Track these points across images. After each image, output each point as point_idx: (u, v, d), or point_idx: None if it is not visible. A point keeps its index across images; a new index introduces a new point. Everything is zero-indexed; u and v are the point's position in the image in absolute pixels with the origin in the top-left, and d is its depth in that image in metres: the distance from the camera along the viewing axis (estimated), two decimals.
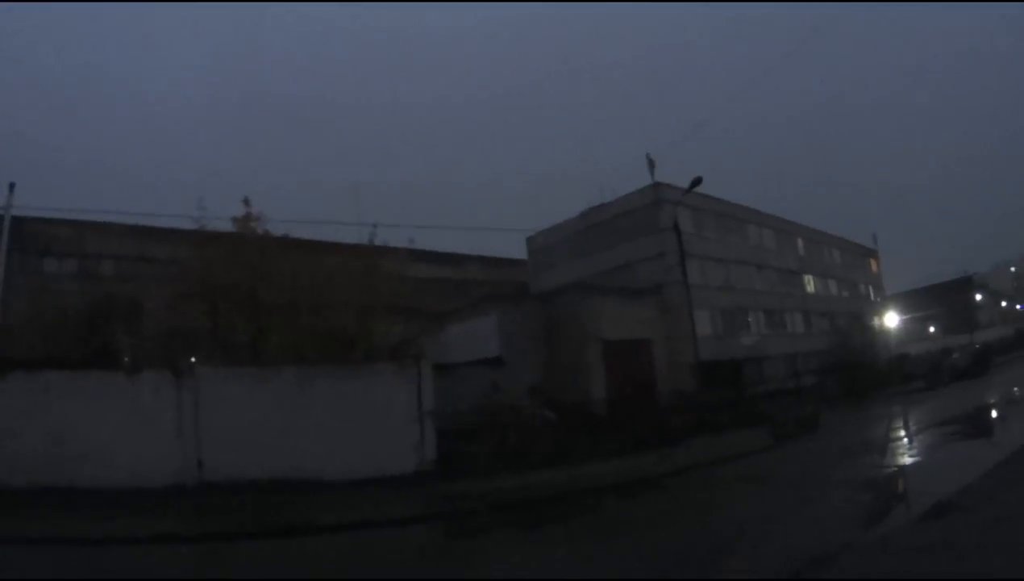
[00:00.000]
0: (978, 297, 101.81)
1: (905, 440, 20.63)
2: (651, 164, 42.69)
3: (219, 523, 14.23)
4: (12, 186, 41.93)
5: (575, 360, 31.72)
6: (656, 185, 43.08)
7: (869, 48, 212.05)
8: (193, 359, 19.27)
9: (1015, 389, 31.64)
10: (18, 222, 40.81)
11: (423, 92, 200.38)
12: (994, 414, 24.44)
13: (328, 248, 23.73)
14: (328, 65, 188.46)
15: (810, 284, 60.15)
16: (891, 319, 64.62)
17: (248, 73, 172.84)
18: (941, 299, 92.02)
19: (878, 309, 67.80)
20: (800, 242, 60.26)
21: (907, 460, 16.91)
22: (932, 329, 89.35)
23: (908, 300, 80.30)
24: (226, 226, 21.45)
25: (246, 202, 21.59)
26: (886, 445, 20.12)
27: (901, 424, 25.10)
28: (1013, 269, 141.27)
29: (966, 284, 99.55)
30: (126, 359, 19.62)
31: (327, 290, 20.05)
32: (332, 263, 21.51)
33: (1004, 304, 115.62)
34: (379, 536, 13.50)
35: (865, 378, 42.69)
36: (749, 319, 49.72)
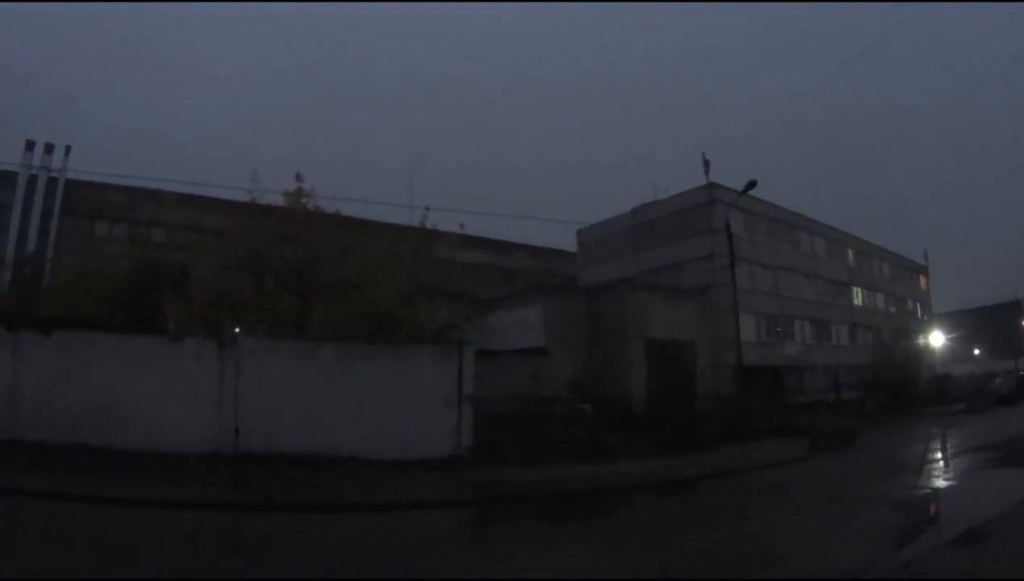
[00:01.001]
0: None
1: (942, 462, 20.46)
2: (706, 164, 42.39)
3: (249, 494, 14.36)
4: (68, 149, 42.88)
5: (617, 356, 31.52)
6: (710, 185, 42.77)
7: (935, 58, 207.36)
8: (237, 330, 19.34)
9: None
10: (72, 186, 41.68)
11: (484, 78, 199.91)
12: None
13: (379, 228, 23.54)
14: (386, 46, 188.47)
15: (858, 296, 59.09)
16: (937, 338, 63.34)
17: (306, 50, 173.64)
18: (988, 322, 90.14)
19: (924, 327, 66.56)
20: (850, 253, 59.16)
21: (942, 483, 16.72)
22: (977, 351, 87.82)
23: (955, 320, 78.66)
24: (277, 200, 21.48)
25: (298, 177, 21.49)
26: (922, 466, 19.70)
27: (939, 446, 24.77)
28: None
29: (1015, 308, 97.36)
30: (171, 325, 19.64)
31: (375, 270, 19.82)
32: (382, 244, 21.26)
33: None
34: (403, 518, 13.58)
35: (906, 396, 41.99)
36: (794, 327, 49.08)
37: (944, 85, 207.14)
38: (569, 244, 52.62)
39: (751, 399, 32.54)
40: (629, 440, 23.19)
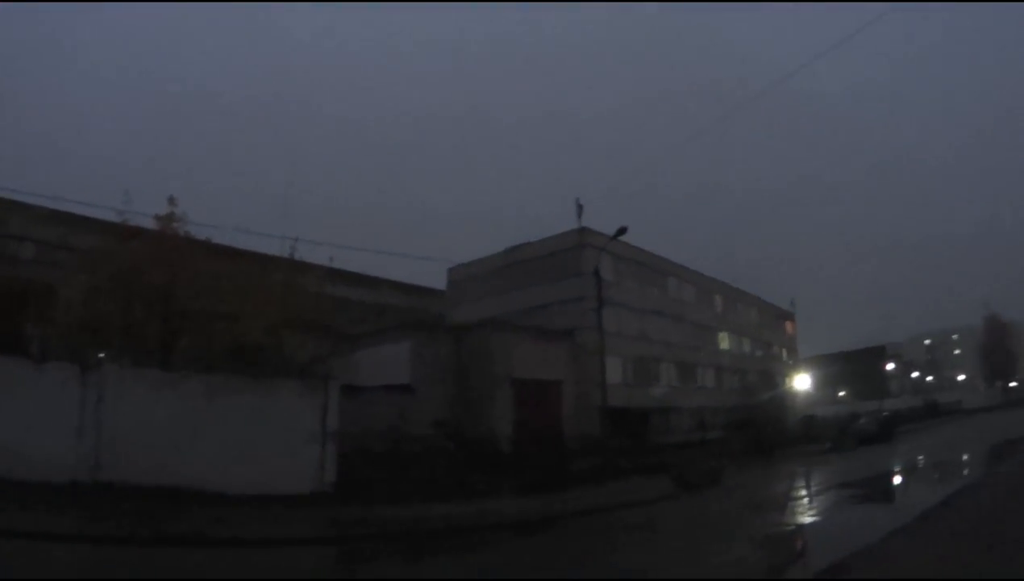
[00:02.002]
0: (890, 366, 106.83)
1: (807, 500, 21.21)
2: (579, 208, 43.69)
3: (103, 526, 14.40)
4: None
5: (484, 395, 32.60)
6: (582, 230, 44.34)
7: (806, 114, 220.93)
8: (102, 355, 19.38)
9: (919, 457, 33.37)
10: None
11: (366, 117, 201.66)
12: (896, 480, 25.68)
13: (248, 257, 23.72)
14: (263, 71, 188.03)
15: (724, 341, 62.97)
16: (802, 381, 67.22)
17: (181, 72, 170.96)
18: (854, 365, 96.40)
19: (790, 370, 70.76)
20: (718, 299, 63.22)
21: (807, 519, 17.24)
22: (842, 394, 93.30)
23: (821, 364, 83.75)
24: (148, 223, 21.35)
25: (171, 201, 21.50)
26: (787, 503, 20.55)
27: (804, 483, 25.92)
28: (928, 342, 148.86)
29: (879, 353, 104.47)
30: (34, 347, 19.65)
31: (243, 300, 20.20)
32: (251, 273, 21.68)
33: (915, 375, 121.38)
34: (263, 556, 13.73)
35: (772, 436, 43.84)
36: (660, 370, 51.46)
37: (815, 142, 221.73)
38: (440, 283, 53.25)
39: (618, 440, 34.00)
40: (496, 479, 23.96)
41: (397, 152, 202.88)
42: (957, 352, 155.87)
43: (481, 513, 18.95)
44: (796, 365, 74.19)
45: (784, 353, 76.57)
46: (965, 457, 31.82)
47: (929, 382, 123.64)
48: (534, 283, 45.41)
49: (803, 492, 23.48)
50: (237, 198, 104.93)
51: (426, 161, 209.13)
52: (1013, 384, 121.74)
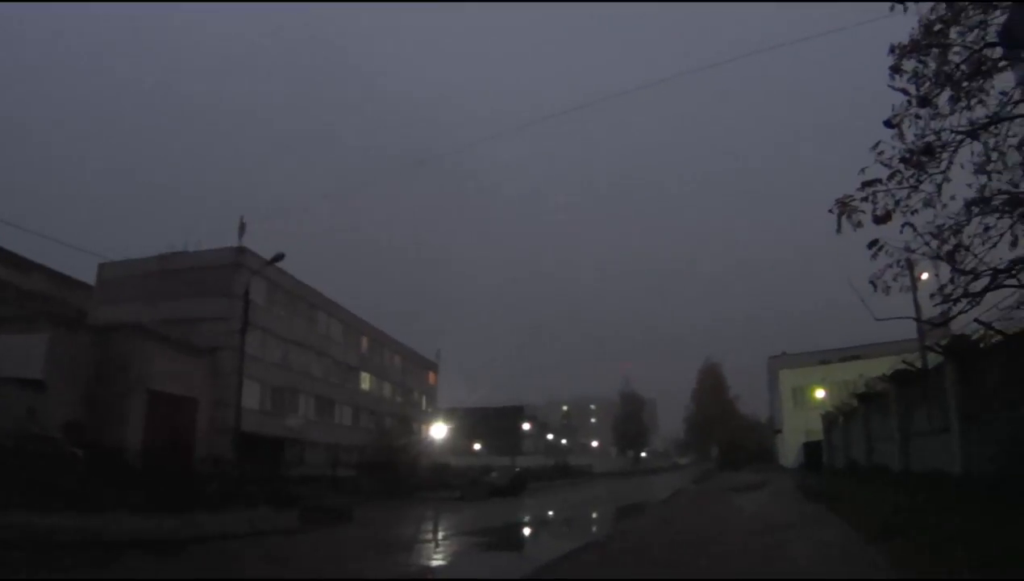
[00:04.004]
0: (526, 426, 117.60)
1: (435, 544, 21.91)
2: (242, 227, 44.75)
3: None
4: None
5: (120, 403, 33.45)
6: (240, 249, 46.31)
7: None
8: None
9: (549, 512, 35.73)
10: None
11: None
12: (526, 531, 27.29)
13: None
14: None
15: (366, 381, 68.75)
16: (439, 430, 72.16)
17: None
18: (492, 421, 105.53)
19: (429, 418, 77.52)
20: (365, 340, 69.05)
21: (433, 563, 17.68)
22: (478, 447, 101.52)
23: (461, 416, 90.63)
24: None
25: None
26: (415, 545, 21.37)
27: (432, 528, 26.79)
28: (565, 407, 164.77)
29: (517, 412, 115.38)
30: None
31: None
32: None
33: (551, 437, 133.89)
34: None
35: (404, 480, 47.35)
36: (299, 401, 55.15)
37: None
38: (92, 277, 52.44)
39: (250, 466, 35.52)
40: (124, 493, 23.97)
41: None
42: (593, 421, 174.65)
43: (107, 528, 18.72)
44: (435, 414, 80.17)
45: (424, 401, 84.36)
46: (594, 515, 34.01)
47: (563, 444, 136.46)
48: (185, 295, 46.24)
49: (430, 536, 24.18)
50: None
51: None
52: (644, 454, 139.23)
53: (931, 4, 9.61)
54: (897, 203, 9.82)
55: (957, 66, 9.64)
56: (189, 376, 38.82)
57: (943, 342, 19.57)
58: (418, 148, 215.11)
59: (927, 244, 9.84)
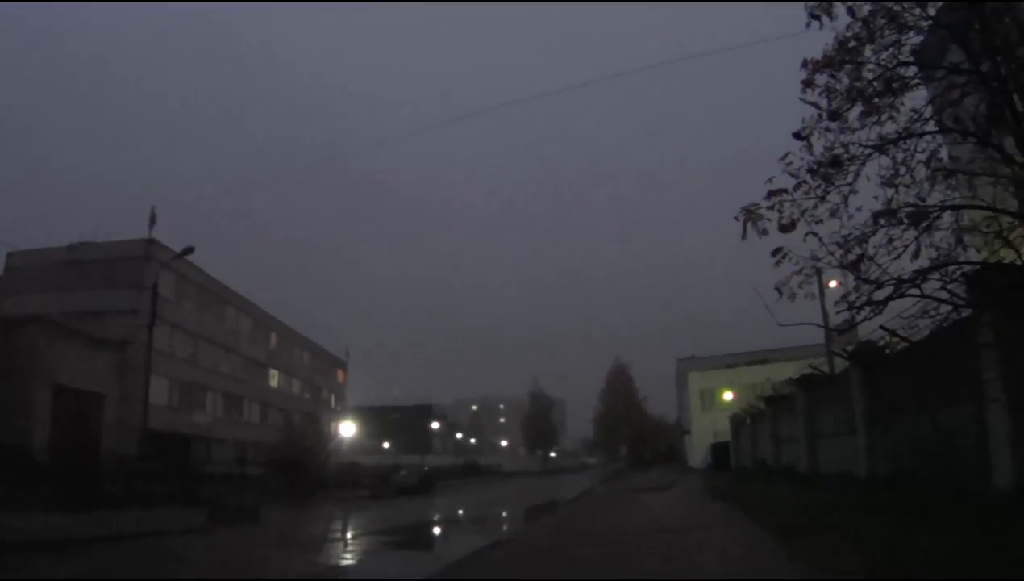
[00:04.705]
0: (435, 425, 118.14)
1: (344, 543, 21.91)
2: (152, 218, 44.94)
3: None
4: None
5: (20, 397, 32.46)
6: (150, 241, 46.13)
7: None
8: None
9: (459, 511, 35.56)
10: None
11: None
12: (435, 530, 27.27)
13: None
14: None
15: (275, 378, 68.75)
16: (348, 428, 71.99)
17: None
18: (401, 420, 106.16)
19: (337, 416, 76.64)
20: (274, 336, 68.97)
21: (342, 562, 17.63)
22: (387, 445, 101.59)
23: (369, 414, 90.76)
24: None
25: None
26: (324, 544, 21.22)
27: (341, 527, 26.80)
28: (475, 407, 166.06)
29: (426, 412, 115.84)
30: None
31: None
32: None
33: (459, 436, 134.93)
34: None
35: (312, 478, 46.84)
36: (207, 398, 54.95)
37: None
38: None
39: (157, 464, 35.11)
40: (27, 491, 23.97)
41: None
42: (502, 420, 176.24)
43: (8, 527, 18.18)
44: (344, 412, 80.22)
45: (333, 399, 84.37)
46: (504, 514, 34.18)
47: (473, 444, 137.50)
48: (93, 286, 45.81)
49: (339, 534, 24.18)
50: None
51: None
52: (553, 454, 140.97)
53: (847, 21, 10.12)
54: (803, 213, 10.32)
55: (870, 82, 10.20)
56: (97, 371, 38.07)
57: (849, 347, 20.69)
58: (330, 143, 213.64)
59: (832, 253, 10.35)
